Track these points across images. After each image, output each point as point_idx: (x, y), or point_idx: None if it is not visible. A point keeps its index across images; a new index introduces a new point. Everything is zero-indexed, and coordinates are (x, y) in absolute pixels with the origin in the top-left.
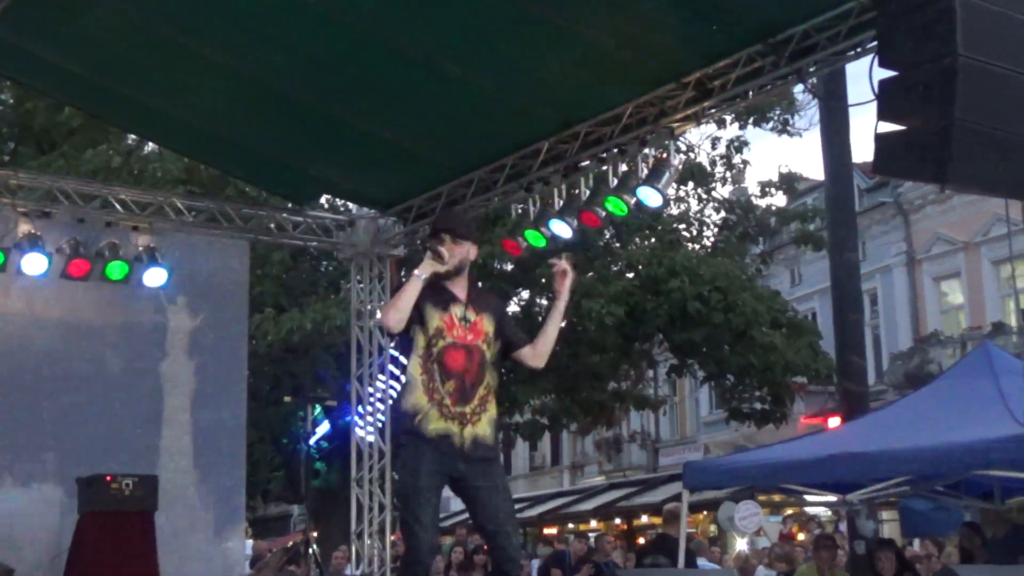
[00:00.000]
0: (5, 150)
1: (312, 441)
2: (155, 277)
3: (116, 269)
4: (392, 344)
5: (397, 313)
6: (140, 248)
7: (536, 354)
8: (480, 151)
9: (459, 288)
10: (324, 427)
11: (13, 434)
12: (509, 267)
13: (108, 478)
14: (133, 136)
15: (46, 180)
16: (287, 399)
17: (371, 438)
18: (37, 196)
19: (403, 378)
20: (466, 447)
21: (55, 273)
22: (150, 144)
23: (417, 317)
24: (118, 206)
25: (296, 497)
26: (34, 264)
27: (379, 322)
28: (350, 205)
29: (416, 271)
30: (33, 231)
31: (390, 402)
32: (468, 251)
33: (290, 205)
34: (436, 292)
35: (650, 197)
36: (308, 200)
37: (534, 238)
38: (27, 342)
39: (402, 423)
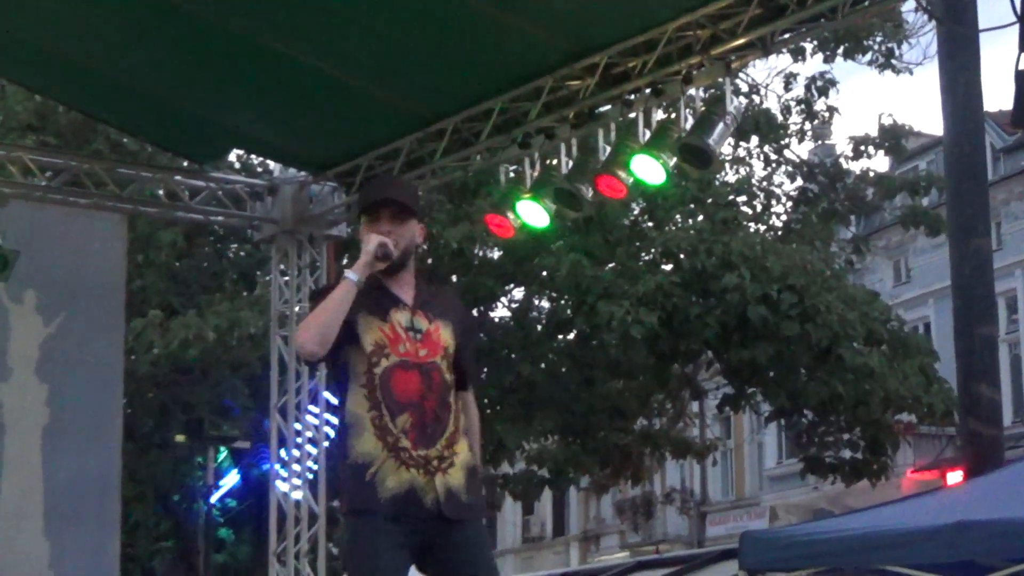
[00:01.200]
0: None
1: (215, 499)
2: None
3: None
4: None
5: (320, 332)
6: None
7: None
8: (456, 90)
9: (401, 287)
10: (232, 479)
11: None
12: (496, 254)
13: None
14: None
15: None
16: (179, 439)
17: (298, 495)
18: None
19: (344, 417)
20: (441, 504)
21: None
22: None
23: (347, 333)
24: None
25: None
26: None
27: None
28: (271, 165)
29: (348, 272)
30: None
31: (325, 444)
32: (414, 233)
33: (186, 164)
34: (370, 295)
35: (696, 157)
36: (212, 158)
37: (532, 214)
38: None
39: (349, 483)
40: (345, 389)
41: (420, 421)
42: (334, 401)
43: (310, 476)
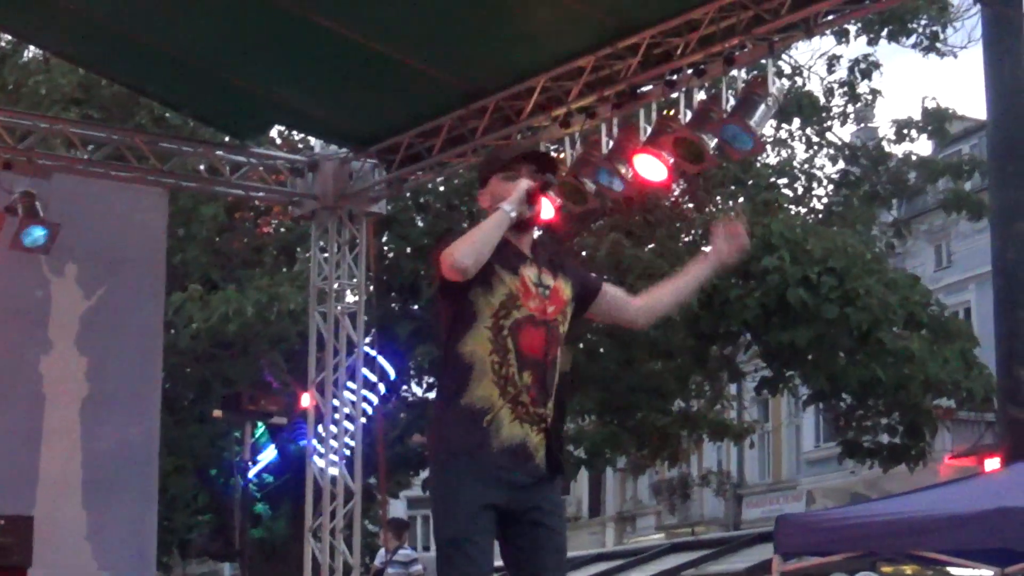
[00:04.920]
0: None
1: (252, 474)
2: (34, 236)
3: None
4: (368, 340)
5: (477, 249)
6: (14, 195)
7: (642, 309)
8: (498, 68)
9: (525, 245)
10: (269, 454)
11: None
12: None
13: None
14: (5, 36)
15: None
16: (217, 413)
17: (334, 471)
18: None
19: (458, 358)
20: (541, 464)
21: None
22: (31, 48)
23: (481, 274)
24: None
25: (228, 552)
26: None
27: (448, 261)
28: (312, 141)
29: (503, 204)
30: None
31: (363, 421)
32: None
33: (227, 139)
34: (500, 248)
35: (738, 139)
36: (253, 133)
37: (573, 194)
38: None
39: (458, 425)
40: (463, 330)
41: (541, 378)
42: (372, 378)
43: (347, 453)
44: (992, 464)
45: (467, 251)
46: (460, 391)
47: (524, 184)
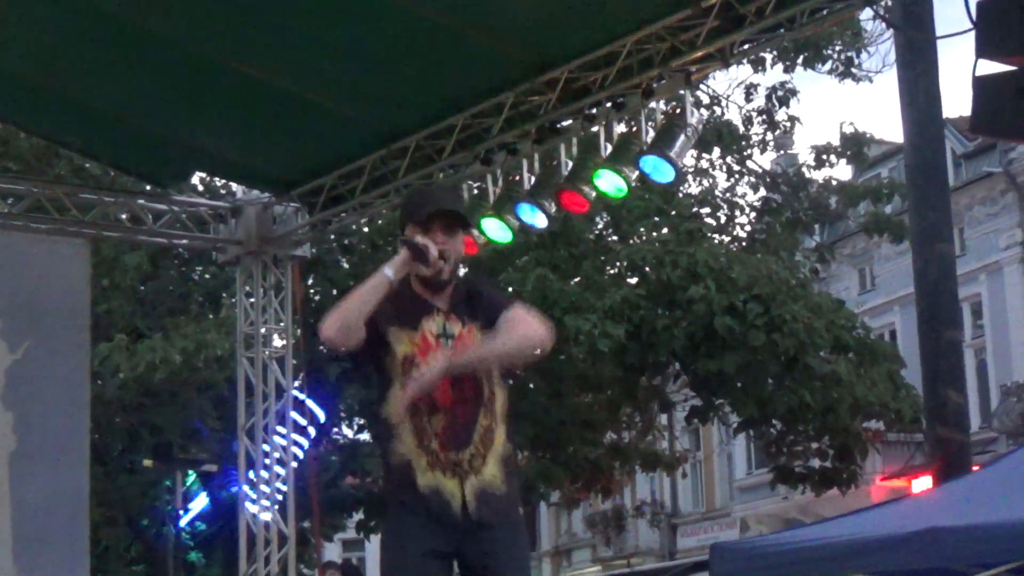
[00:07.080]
0: None
1: (184, 522)
2: None
3: None
4: (297, 383)
5: (341, 319)
6: None
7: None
8: (418, 107)
9: (438, 296)
10: (201, 502)
11: None
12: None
13: None
14: None
15: None
16: (147, 463)
17: (267, 516)
18: None
19: (383, 420)
20: (470, 509)
21: None
22: None
23: (381, 344)
24: None
25: None
26: None
27: (323, 336)
28: (234, 187)
29: (386, 267)
30: None
31: (294, 465)
32: (462, 245)
33: (149, 188)
34: (401, 303)
35: (659, 170)
36: (175, 180)
37: (497, 229)
38: None
39: (387, 483)
40: (383, 391)
41: (451, 425)
42: (302, 422)
43: (279, 498)
44: (922, 484)
45: (332, 322)
46: (389, 450)
47: (404, 251)
